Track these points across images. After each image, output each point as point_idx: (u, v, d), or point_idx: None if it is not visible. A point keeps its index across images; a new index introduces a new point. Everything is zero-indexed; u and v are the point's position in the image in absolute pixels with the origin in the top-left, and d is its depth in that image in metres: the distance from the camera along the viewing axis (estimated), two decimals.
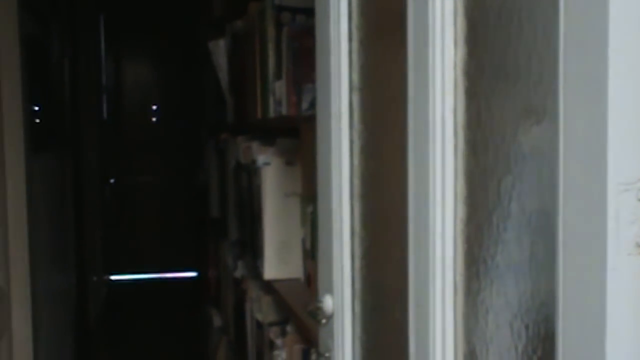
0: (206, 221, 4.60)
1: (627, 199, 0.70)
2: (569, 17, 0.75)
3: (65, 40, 4.52)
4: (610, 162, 0.70)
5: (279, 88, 2.28)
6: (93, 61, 6.09)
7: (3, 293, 2.91)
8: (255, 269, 2.52)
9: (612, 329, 0.70)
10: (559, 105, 0.77)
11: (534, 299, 0.87)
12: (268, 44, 2.35)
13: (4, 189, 2.90)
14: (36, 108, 3.49)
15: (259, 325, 2.50)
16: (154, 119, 7.51)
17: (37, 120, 3.54)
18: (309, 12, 2.25)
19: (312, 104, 2.14)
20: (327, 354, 1.38)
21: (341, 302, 1.32)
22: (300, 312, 1.97)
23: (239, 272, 3.05)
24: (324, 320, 1.33)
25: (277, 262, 2.34)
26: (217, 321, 3.97)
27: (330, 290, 1.35)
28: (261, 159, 2.36)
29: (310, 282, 2.18)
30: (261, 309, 2.47)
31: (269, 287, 2.36)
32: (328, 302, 1.34)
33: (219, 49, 3.39)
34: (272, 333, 2.28)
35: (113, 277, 7.23)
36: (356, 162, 1.31)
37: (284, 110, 2.25)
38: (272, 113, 2.36)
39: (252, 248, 2.59)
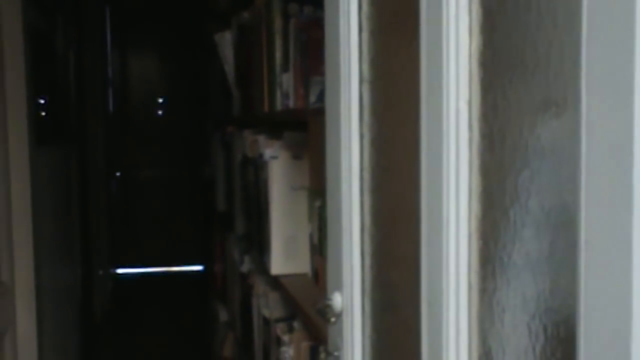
0: (212, 215, 4.57)
1: None
2: (592, 2, 0.71)
3: (71, 33, 4.49)
4: (636, 154, 0.66)
5: (286, 81, 2.25)
6: (99, 54, 6.06)
7: (7, 288, 2.89)
8: (262, 264, 2.49)
9: (638, 329, 0.67)
10: (581, 96, 0.73)
11: (554, 298, 0.84)
12: (275, 36, 2.31)
13: (8, 183, 2.87)
14: (41, 101, 3.47)
15: (266, 321, 2.47)
16: (159, 112, 7.49)
17: (43, 113, 3.51)
18: (317, 3, 2.22)
19: (320, 97, 2.11)
20: (336, 353, 1.35)
21: (351, 300, 1.28)
22: (308, 309, 1.94)
23: (245, 267, 3.02)
24: (333, 319, 1.30)
25: (284, 257, 2.31)
26: (223, 316, 3.95)
27: (339, 287, 1.32)
28: (268, 152, 2.33)
29: (318, 277, 2.15)
30: (268, 305, 2.44)
31: (275, 282, 2.33)
32: (337, 300, 1.30)
33: (225, 42, 3.35)
34: (279, 329, 2.25)
35: (119, 271, 7.21)
36: (366, 156, 1.27)
37: (291, 103, 2.22)
38: (279, 106, 2.33)
39: (258, 243, 2.56)
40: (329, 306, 1.31)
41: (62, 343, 3.91)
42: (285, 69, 2.27)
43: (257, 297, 2.65)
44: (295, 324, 2.15)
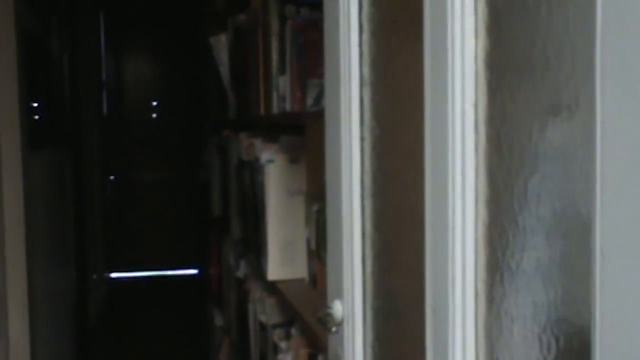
0: (207, 218, 4.54)
1: None
2: (607, 0, 0.68)
3: (65, 36, 4.46)
4: None
5: (283, 83, 2.22)
6: (93, 57, 6.03)
7: None
8: (259, 269, 2.46)
9: None
10: (595, 98, 0.70)
11: (566, 308, 0.80)
12: (272, 38, 2.28)
13: (0, 188, 2.84)
14: (35, 104, 3.43)
15: (263, 327, 2.43)
16: (154, 115, 7.45)
17: (37, 117, 3.48)
18: (314, 5, 2.19)
19: (318, 100, 2.08)
20: None
21: (352, 308, 1.25)
22: (306, 315, 1.91)
23: (241, 272, 2.99)
24: (334, 329, 1.26)
25: (281, 262, 2.27)
26: (218, 320, 3.91)
27: (340, 295, 1.28)
28: (265, 156, 2.29)
29: (316, 283, 2.11)
30: (265, 310, 2.41)
31: (272, 287, 2.30)
32: (338, 308, 1.27)
33: (221, 44, 3.32)
34: (276, 335, 2.21)
35: (113, 275, 7.17)
36: (367, 160, 1.24)
37: (288, 106, 2.19)
38: (275, 109, 2.30)
39: (255, 247, 2.52)
40: (329, 314, 1.28)
41: (56, 348, 3.87)
42: (282, 71, 2.24)
43: (254, 303, 2.61)
44: (293, 331, 2.11)
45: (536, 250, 0.86)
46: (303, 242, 2.23)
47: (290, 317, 2.19)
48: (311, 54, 2.11)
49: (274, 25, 2.27)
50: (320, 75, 2.08)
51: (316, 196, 2.10)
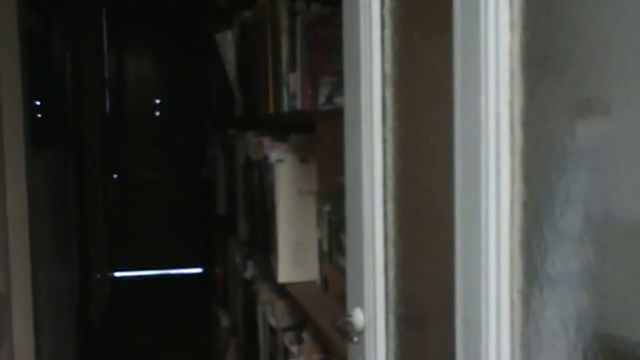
0: (212, 218, 4.49)
1: None
2: None
3: (67, 34, 4.41)
4: None
5: (294, 81, 2.16)
6: (95, 55, 5.97)
7: (3, 297, 2.80)
8: (268, 271, 2.41)
9: None
10: None
11: (614, 322, 0.75)
12: (281, 35, 2.23)
13: (3, 189, 2.79)
14: (38, 103, 3.38)
15: (272, 331, 2.38)
16: (157, 114, 7.40)
17: (39, 116, 3.43)
18: (325, 0, 2.14)
19: (330, 98, 2.02)
20: None
21: (374, 317, 1.19)
22: (318, 319, 1.86)
23: (248, 273, 2.94)
24: (355, 339, 1.21)
25: (292, 264, 2.22)
26: (224, 321, 3.86)
27: (361, 303, 1.23)
28: (274, 155, 2.24)
29: (327, 286, 2.06)
30: (274, 313, 2.35)
31: (282, 290, 2.25)
32: (359, 317, 1.21)
33: (227, 41, 3.27)
34: (287, 339, 2.16)
35: (117, 274, 7.12)
36: (390, 162, 1.18)
37: (298, 105, 2.13)
38: (285, 107, 2.24)
39: (264, 248, 2.47)
40: (349, 323, 1.22)
41: (60, 349, 3.83)
42: (292, 68, 2.18)
43: (263, 305, 2.56)
44: (305, 335, 2.06)
45: (579, 258, 0.80)
46: (314, 243, 2.17)
47: (301, 321, 2.13)
48: (322, 51, 2.06)
49: (284, 22, 2.22)
50: (332, 72, 2.03)
51: (327, 196, 2.05)
